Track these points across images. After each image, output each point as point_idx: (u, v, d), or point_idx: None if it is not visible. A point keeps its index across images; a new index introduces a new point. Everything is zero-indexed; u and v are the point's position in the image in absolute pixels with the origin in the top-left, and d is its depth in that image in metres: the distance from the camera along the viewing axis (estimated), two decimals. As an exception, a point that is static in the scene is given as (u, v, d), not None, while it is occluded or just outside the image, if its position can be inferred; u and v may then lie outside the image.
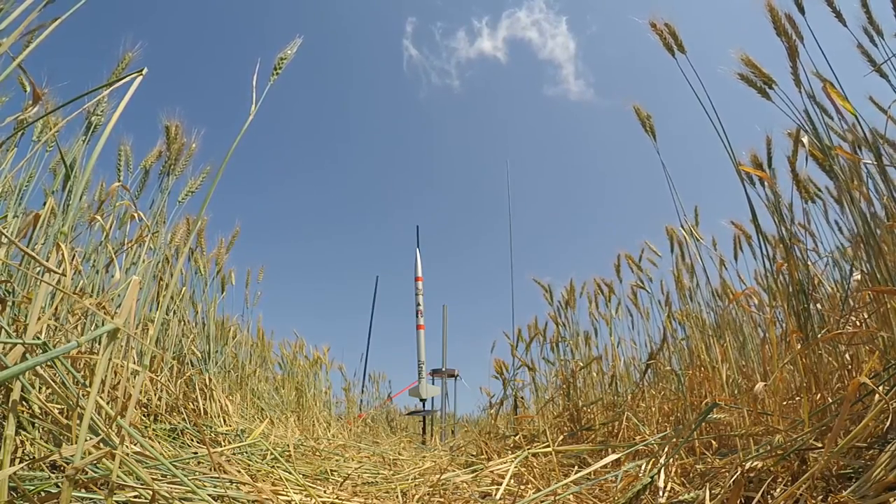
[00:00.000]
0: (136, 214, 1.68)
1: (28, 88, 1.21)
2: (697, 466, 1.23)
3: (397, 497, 1.36)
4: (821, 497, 0.81)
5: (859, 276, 1.31)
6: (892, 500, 0.69)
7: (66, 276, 1.06)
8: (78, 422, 0.94)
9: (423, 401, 5.38)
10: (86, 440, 0.73)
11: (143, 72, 0.93)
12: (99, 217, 1.59)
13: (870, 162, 1.29)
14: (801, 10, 1.35)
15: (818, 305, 1.50)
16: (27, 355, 0.80)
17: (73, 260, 1.45)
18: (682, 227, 1.86)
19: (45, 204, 1.25)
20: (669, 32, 1.53)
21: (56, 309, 1.29)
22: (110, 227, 1.66)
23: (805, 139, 1.38)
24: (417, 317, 5.51)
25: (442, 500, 1.31)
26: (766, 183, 1.53)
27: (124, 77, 0.92)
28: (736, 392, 1.63)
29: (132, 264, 1.66)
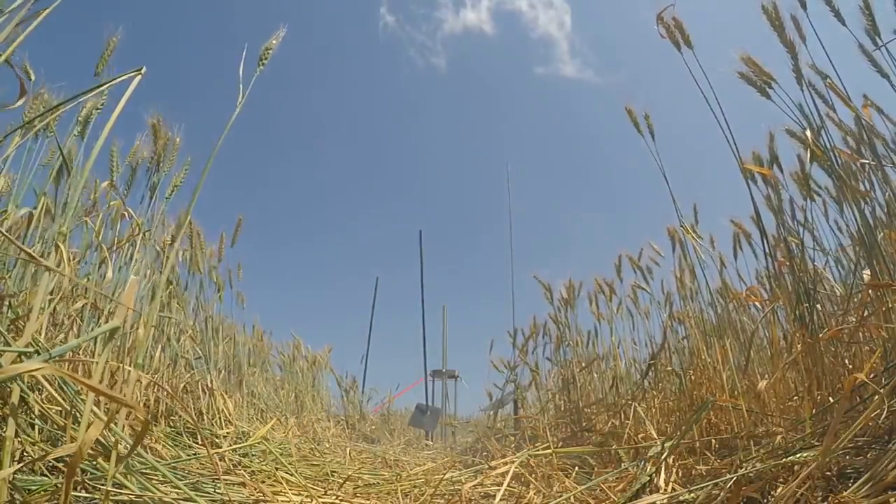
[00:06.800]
0: (126, 212, 1.65)
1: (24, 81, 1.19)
2: (698, 467, 1.23)
3: (398, 498, 1.35)
4: (821, 497, 0.80)
5: (869, 273, 1.28)
6: (892, 500, 0.68)
7: (66, 276, 1.05)
8: (76, 424, 0.93)
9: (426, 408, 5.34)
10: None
11: (142, 71, 0.93)
12: (88, 219, 1.57)
13: (869, 161, 1.29)
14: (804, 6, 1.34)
15: (819, 306, 1.49)
16: (22, 357, 0.80)
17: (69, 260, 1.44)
18: (681, 225, 1.85)
19: (38, 203, 1.24)
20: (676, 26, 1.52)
21: (54, 310, 1.29)
22: (101, 225, 1.64)
23: (808, 135, 1.37)
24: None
25: (443, 501, 1.30)
26: (769, 181, 1.52)
27: (121, 75, 0.91)
28: (736, 392, 1.63)
29: (125, 264, 1.65)
